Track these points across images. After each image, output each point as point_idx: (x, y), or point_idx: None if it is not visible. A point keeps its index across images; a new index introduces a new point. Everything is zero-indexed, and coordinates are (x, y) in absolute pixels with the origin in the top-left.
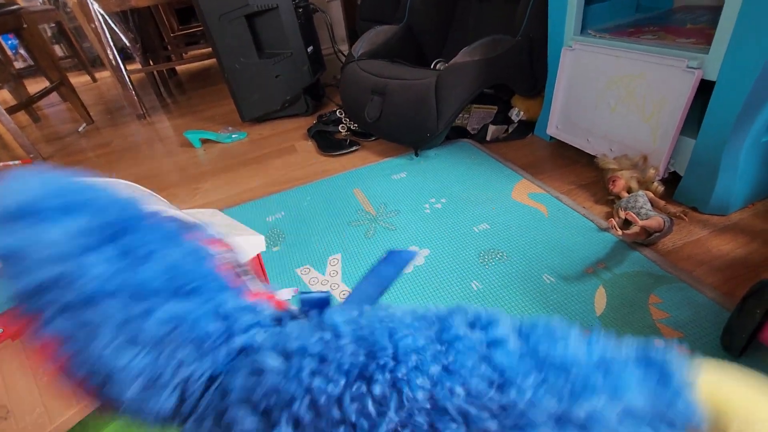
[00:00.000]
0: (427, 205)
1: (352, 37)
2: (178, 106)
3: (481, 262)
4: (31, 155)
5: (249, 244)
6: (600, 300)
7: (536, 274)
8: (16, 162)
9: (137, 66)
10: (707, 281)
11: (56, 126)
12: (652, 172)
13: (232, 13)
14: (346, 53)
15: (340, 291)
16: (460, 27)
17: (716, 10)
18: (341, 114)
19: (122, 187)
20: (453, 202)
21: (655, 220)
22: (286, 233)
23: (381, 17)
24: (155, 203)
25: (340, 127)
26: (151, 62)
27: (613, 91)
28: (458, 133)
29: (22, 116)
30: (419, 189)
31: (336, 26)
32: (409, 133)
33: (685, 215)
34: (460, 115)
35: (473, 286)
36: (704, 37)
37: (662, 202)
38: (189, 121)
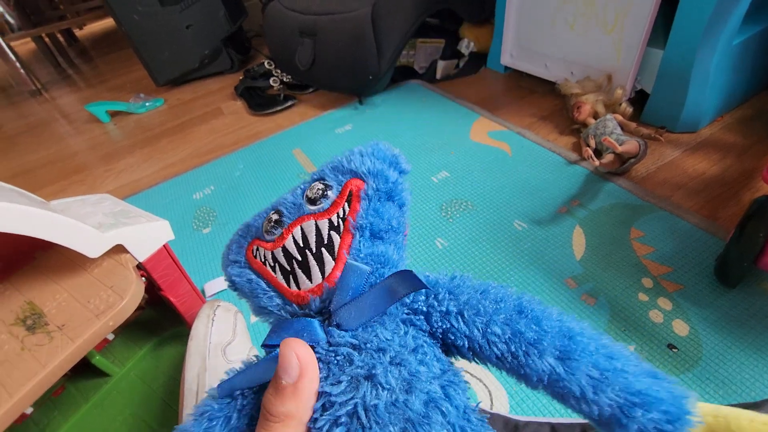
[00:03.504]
0: None
1: None
2: (82, 76)
3: (444, 216)
4: None
5: (149, 234)
6: (578, 241)
7: (506, 221)
8: None
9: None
10: (687, 206)
11: None
12: (618, 92)
13: None
14: None
15: None
16: None
17: None
18: (270, 65)
19: None
20: (406, 152)
21: (631, 144)
22: (218, 210)
23: None
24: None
25: (271, 81)
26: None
27: (570, 5)
28: (405, 74)
29: None
30: (367, 141)
31: None
32: (348, 78)
33: (661, 135)
34: (405, 52)
35: (437, 244)
36: None
37: (633, 125)
38: (96, 92)
